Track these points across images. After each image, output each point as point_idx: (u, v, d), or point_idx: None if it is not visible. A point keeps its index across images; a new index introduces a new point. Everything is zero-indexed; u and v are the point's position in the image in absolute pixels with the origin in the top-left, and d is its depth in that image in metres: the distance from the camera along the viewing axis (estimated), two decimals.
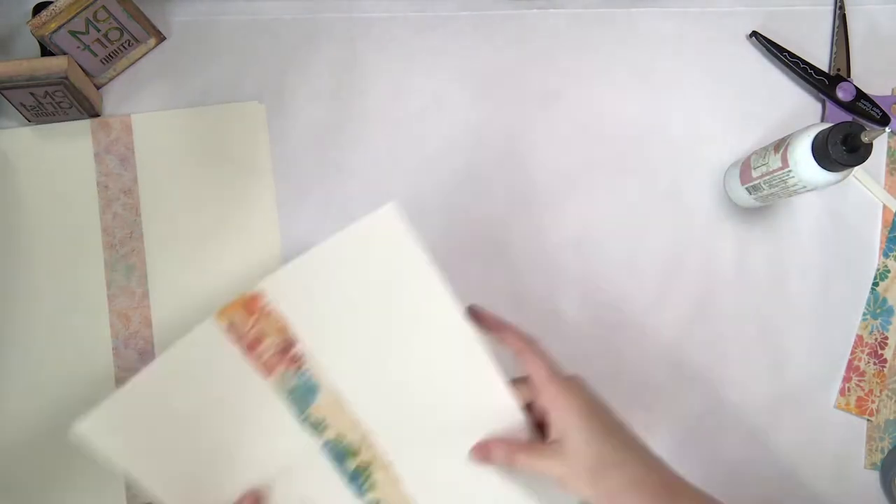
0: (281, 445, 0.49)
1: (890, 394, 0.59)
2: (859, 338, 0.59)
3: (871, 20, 0.63)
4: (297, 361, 0.48)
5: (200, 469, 0.48)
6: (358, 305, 0.49)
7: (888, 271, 0.60)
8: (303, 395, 0.48)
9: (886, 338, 0.59)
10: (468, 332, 0.47)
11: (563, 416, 0.44)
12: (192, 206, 0.60)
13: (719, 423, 0.59)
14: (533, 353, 0.46)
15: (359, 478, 0.49)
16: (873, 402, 0.59)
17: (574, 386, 0.45)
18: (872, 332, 0.59)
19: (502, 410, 0.48)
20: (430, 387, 0.49)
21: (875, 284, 0.60)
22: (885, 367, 0.59)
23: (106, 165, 0.61)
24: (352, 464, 0.49)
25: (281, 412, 0.48)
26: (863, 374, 0.59)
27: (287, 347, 0.48)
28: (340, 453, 0.49)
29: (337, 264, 0.49)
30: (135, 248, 0.60)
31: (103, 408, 0.46)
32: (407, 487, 0.49)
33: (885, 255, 0.60)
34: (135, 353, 0.59)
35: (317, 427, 0.49)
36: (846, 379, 0.59)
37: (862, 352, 0.59)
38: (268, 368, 0.48)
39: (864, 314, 0.60)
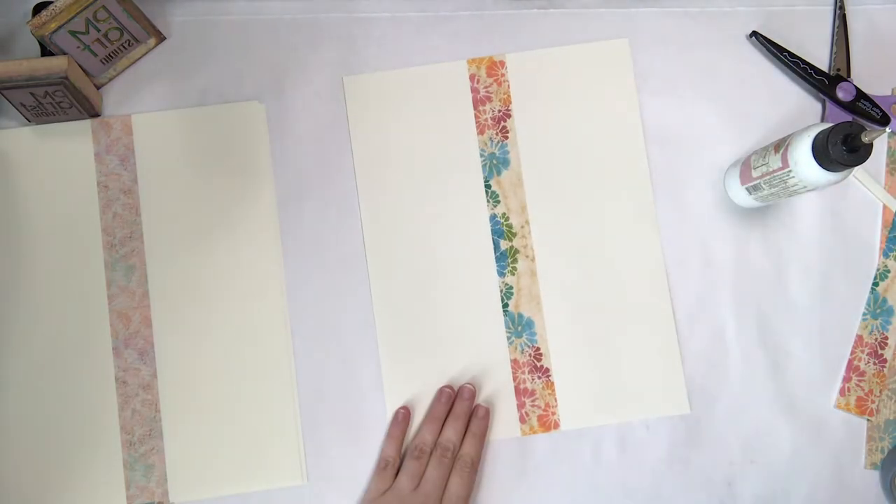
0: (460, 200, 0.60)
1: (890, 394, 0.59)
2: (859, 338, 0.59)
3: (871, 20, 0.63)
4: (505, 133, 0.60)
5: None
6: (561, 113, 0.61)
7: (888, 271, 0.60)
8: (495, 163, 0.59)
9: (886, 338, 0.59)
10: (647, 193, 0.60)
11: None
12: (192, 206, 0.60)
13: (719, 422, 0.59)
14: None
15: (506, 259, 0.59)
16: (873, 401, 0.59)
17: None
18: (872, 331, 0.59)
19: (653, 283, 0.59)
20: (596, 219, 0.60)
21: (875, 285, 0.60)
22: (884, 367, 0.59)
23: (106, 165, 0.61)
24: (506, 244, 0.59)
25: (475, 170, 0.60)
26: (863, 374, 0.59)
27: (502, 118, 0.60)
28: (500, 230, 0.59)
29: (565, 68, 0.61)
30: (135, 248, 0.60)
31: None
32: (541, 287, 0.59)
33: (886, 254, 0.60)
34: (135, 353, 0.59)
35: (493, 197, 0.59)
36: (846, 379, 0.59)
37: (862, 352, 0.59)
38: (481, 127, 0.60)
39: (864, 314, 0.60)
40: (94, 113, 0.60)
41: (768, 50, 0.62)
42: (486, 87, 0.61)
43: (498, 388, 0.59)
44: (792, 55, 0.61)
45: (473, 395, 0.58)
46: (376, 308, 0.60)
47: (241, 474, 0.58)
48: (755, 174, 0.56)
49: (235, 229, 0.60)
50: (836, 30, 0.63)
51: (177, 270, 0.60)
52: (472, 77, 0.61)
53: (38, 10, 0.59)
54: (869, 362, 0.59)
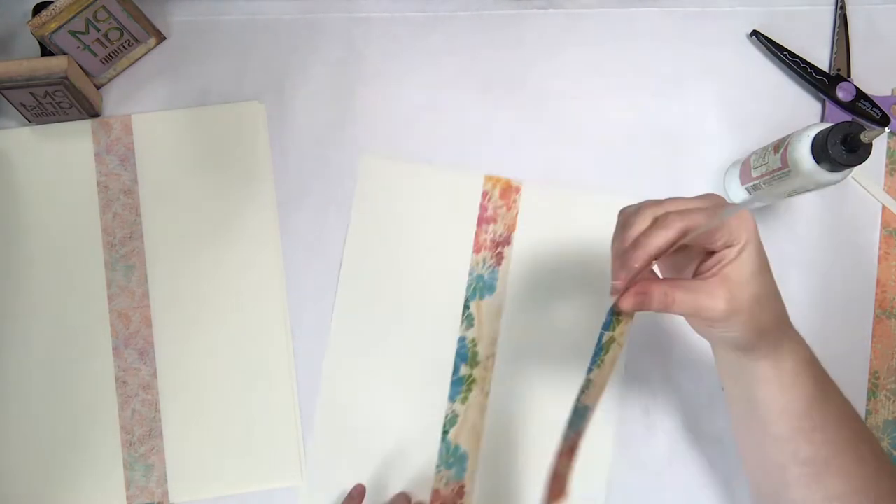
0: (438, 310, 0.58)
1: (889, 394, 0.59)
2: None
3: (872, 20, 0.63)
4: (499, 258, 0.57)
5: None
6: (560, 257, 0.58)
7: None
8: (480, 286, 0.57)
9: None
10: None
11: (746, 243, 0.41)
12: (192, 206, 0.60)
13: (718, 422, 0.59)
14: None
15: (461, 385, 0.56)
16: None
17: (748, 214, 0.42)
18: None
19: None
20: (561, 375, 0.57)
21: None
22: None
23: (106, 165, 0.61)
24: (465, 370, 0.56)
25: (458, 283, 0.58)
26: None
27: (502, 243, 0.57)
28: (464, 355, 0.56)
29: (572, 216, 0.59)
30: (135, 248, 0.60)
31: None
32: (485, 426, 0.57)
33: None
34: (135, 353, 0.59)
35: (466, 320, 0.57)
36: None
37: None
38: (477, 247, 0.57)
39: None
40: (94, 113, 0.60)
41: (768, 50, 0.62)
42: (495, 208, 0.59)
43: None
44: (792, 55, 0.61)
45: (363, 493, 0.56)
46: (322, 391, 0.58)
47: (240, 474, 0.58)
48: (755, 174, 0.56)
49: (235, 229, 0.60)
50: (836, 30, 0.63)
51: (177, 270, 0.60)
52: (484, 194, 0.59)
53: (38, 10, 0.59)
54: None
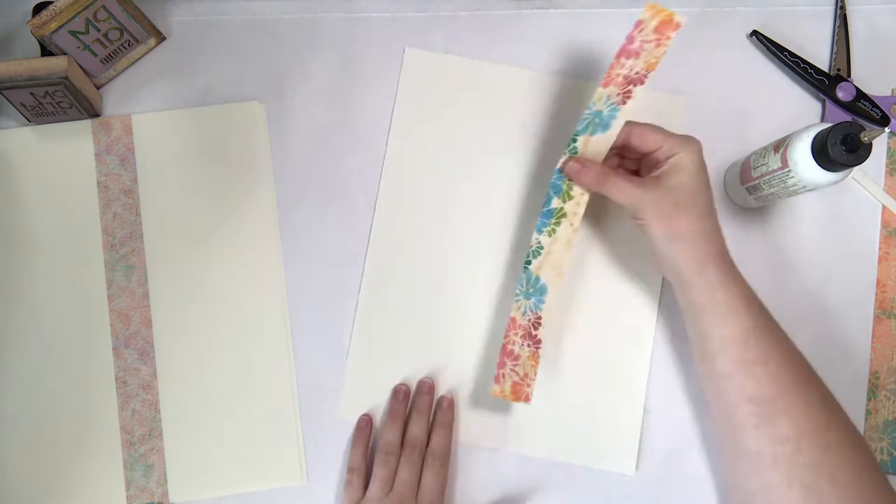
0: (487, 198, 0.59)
1: (889, 394, 0.59)
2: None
3: (872, 20, 0.63)
4: (627, 94, 0.53)
5: None
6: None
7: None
8: (596, 122, 0.54)
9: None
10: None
11: (683, 155, 0.50)
12: (192, 206, 0.60)
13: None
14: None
15: (550, 217, 0.55)
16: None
17: (696, 141, 0.51)
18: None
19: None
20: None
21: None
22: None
23: (106, 165, 0.61)
24: (557, 203, 0.54)
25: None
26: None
27: (636, 81, 0.53)
28: (559, 187, 0.54)
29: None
30: (135, 248, 0.60)
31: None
32: (567, 264, 0.55)
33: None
34: (135, 353, 0.59)
35: (570, 151, 0.54)
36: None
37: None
38: (607, 81, 0.53)
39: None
40: (94, 113, 0.60)
41: (768, 49, 0.62)
42: (643, 41, 0.53)
43: (487, 340, 0.58)
44: (792, 55, 0.61)
45: (433, 388, 0.58)
46: (361, 305, 0.59)
47: (241, 474, 0.58)
48: (755, 174, 0.56)
49: (235, 229, 0.60)
50: (836, 30, 0.63)
51: (177, 270, 0.60)
52: (637, 23, 0.53)
53: (38, 10, 0.59)
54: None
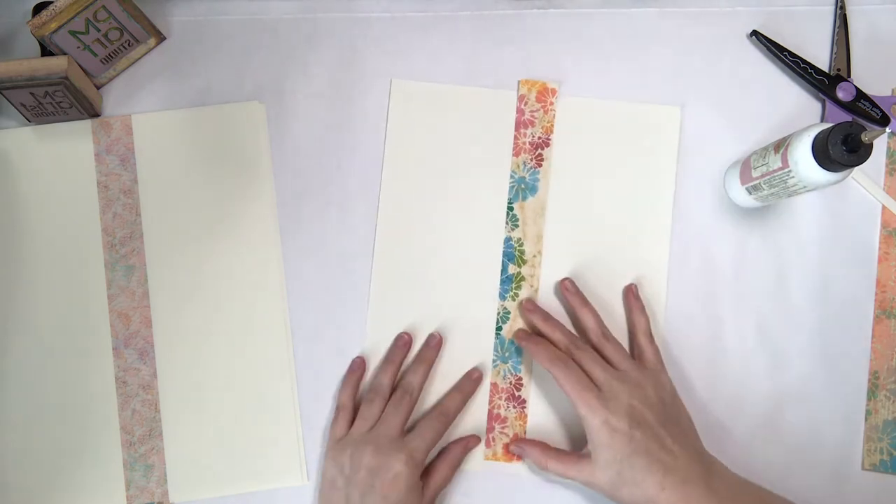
0: (482, 213, 0.60)
1: (889, 394, 0.60)
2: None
3: (872, 20, 0.63)
4: (539, 160, 0.60)
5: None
6: (595, 163, 0.61)
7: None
8: (523, 188, 0.60)
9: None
10: (665, 241, 0.60)
11: (594, 435, 0.51)
12: (192, 206, 0.60)
13: (717, 422, 0.59)
14: (583, 356, 0.54)
15: (510, 283, 0.59)
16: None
17: (613, 403, 0.51)
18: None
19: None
20: (607, 265, 0.60)
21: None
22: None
23: (106, 165, 0.61)
24: (514, 269, 0.59)
25: (500, 188, 0.60)
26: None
27: (541, 145, 0.60)
28: (511, 255, 0.60)
29: (610, 122, 0.61)
30: (135, 248, 0.60)
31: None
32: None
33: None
34: (135, 353, 0.59)
35: (511, 221, 0.60)
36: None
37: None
38: (517, 150, 0.60)
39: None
40: (94, 113, 0.60)
41: (768, 50, 0.62)
42: (532, 111, 0.61)
43: (471, 407, 0.58)
44: (792, 55, 0.61)
45: (440, 344, 0.58)
46: (371, 305, 0.60)
47: (241, 474, 0.58)
48: (755, 174, 0.56)
49: (235, 229, 0.60)
50: (836, 30, 0.63)
51: (177, 270, 0.60)
52: (521, 98, 0.61)
53: (38, 10, 0.59)
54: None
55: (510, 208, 0.60)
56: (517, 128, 0.60)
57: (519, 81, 0.61)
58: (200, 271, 0.60)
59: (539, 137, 0.60)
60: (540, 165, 0.60)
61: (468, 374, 0.58)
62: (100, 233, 0.60)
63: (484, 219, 0.60)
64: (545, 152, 0.60)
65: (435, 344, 0.58)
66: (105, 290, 0.59)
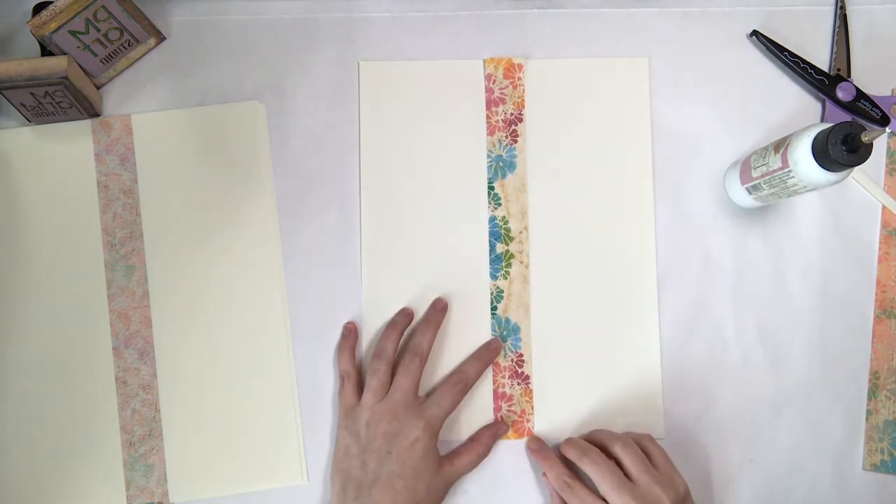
0: (463, 196, 0.60)
1: (889, 394, 0.60)
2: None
3: (872, 20, 0.63)
4: (514, 136, 0.60)
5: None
6: (571, 127, 0.61)
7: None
8: (501, 166, 0.60)
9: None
10: (648, 197, 0.60)
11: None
12: (192, 205, 0.60)
13: (717, 422, 0.59)
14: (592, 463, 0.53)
15: (500, 262, 0.59)
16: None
17: None
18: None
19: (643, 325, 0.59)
20: (595, 232, 0.60)
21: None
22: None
23: (106, 165, 0.61)
24: (502, 247, 0.59)
25: (478, 168, 0.60)
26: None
27: (514, 121, 0.60)
28: (498, 233, 0.59)
29: (579, 81, 0.61)
30: (135, 248, 0.60)
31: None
32: (531, 293, 0.59)
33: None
34: (135, 353, 0.59)
35: (493, 200, 0.59)
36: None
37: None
38: (491, 128, 0.60)
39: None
40: (94, 113, 0.60)
41: (768, 50, 0.62)
42: (501, 89, 0.61)
43: (476, 389, 0.59)
44: (792, 55, 0.61)
45: (446, 308, 0.58)
46: (365, 298, 0.60)
47: (241, 474, 0.58)
48: (755, 174, 0.56)
49: (235, 229, 0.60)
50: (836, 30, 0.63)
51: (177, 270, 0.60)
52: (488, 77, 0.61)
53: (38, 10, 0.59)
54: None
55: (491, 187, 0.60)
56: (488, 106, 0.60)
57: (484, 60, 0.61)
58: (200, 271, 0.60)
59: (511, 114, 0.60)
60: (515, 142, 0.60)
61: (487, 344, 0.58)
62: (100, 233, 0.60)
63: (466, 201, 0.60)
64: (519, 128, 0.60)
65: (441, 307, 0.58)
66: (105, 290, 0.59)
